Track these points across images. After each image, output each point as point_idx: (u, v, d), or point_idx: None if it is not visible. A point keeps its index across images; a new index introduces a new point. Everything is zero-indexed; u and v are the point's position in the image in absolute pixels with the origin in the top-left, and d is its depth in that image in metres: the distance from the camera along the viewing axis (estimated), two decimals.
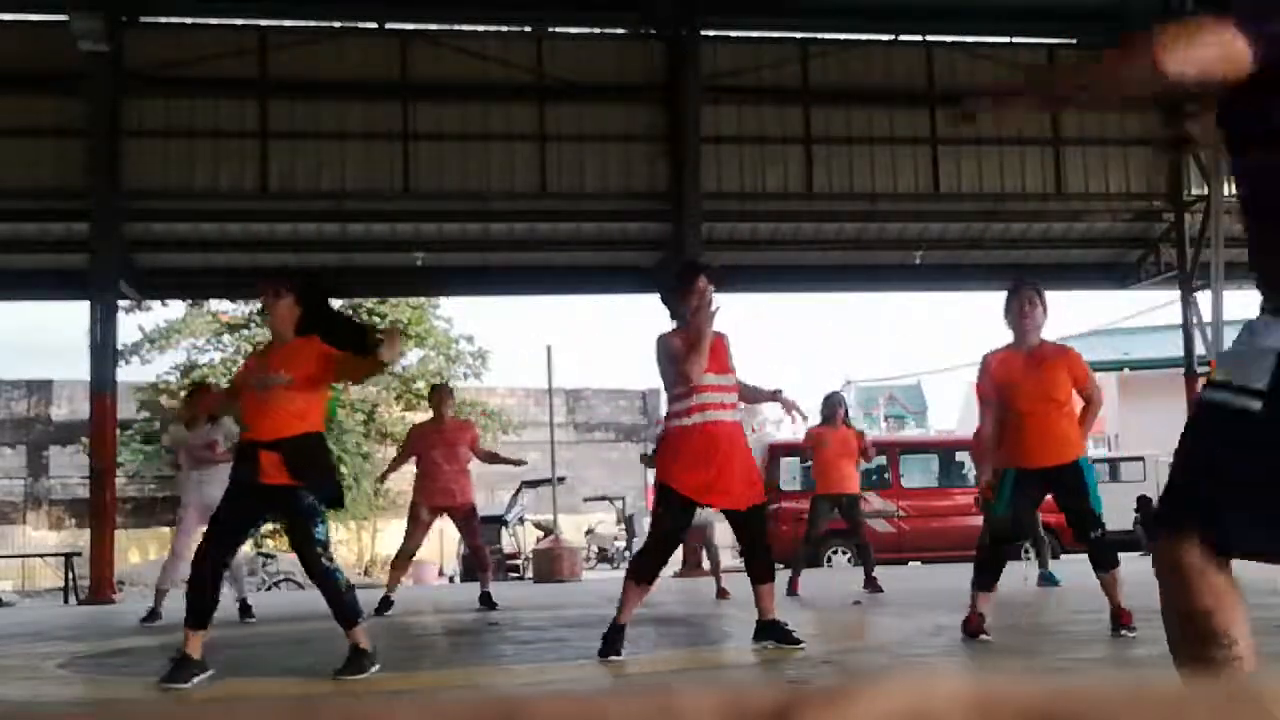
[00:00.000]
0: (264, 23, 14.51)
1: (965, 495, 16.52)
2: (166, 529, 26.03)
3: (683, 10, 14.66)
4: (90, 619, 10.16)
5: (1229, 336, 16.30)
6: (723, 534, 9.14)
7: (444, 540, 19.14)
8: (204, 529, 8.64)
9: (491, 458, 9.35)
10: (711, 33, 15.01)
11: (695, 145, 14.48)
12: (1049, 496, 5.65)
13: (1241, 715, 0.46)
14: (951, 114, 2.58)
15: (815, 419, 9.97)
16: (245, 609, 8.60)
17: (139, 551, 24.16)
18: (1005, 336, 5.62)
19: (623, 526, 25.25)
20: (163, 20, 14.42)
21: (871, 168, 15.29)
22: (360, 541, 24.98)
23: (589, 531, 25.16)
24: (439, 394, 9.24)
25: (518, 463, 9.59)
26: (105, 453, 13.77)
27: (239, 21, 14.58)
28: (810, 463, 10.30)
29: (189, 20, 14.56)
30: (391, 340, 4.93)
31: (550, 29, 15.05)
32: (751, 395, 5.80)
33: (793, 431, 11.40)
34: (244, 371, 5.32)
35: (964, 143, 15.44)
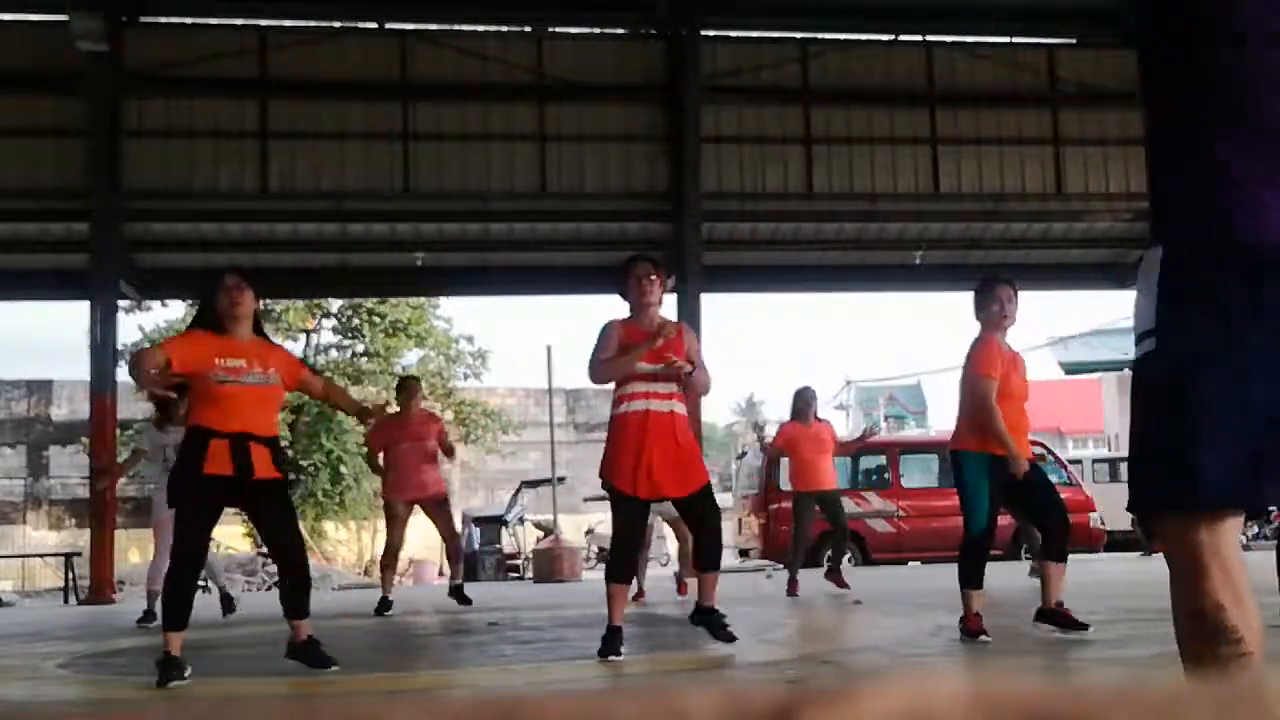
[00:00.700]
0: (264, 23, 14.51)
1: None
2: None
3: (683, 10, 14.66)
4: (90, 619, 10.16)
5: None
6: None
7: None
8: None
9: (451, 451, 9.15)
10: (711, 33, 15.01)
11: (695, 145, 14.48)
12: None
13: (1241, 715, 0.46)
14: None
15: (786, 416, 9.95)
16: (227, 600, 8.61)
17: (139, 551, 24.10)
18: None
19: None
20: (163, 20, 14.43)
21: (871, 168, 15.29)
22: (360, 541, 24.96)
23: (589, 531, 25.15)
24: (409, 387, 9.16)
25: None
26: (105, 453, 13.77)
27: (239, 21, 14.59)
28: (786, 461, 10.23)
29: (189, 20, 14.57)
30: (364, 415, 5.91)
31: (550, 29, 15.05)
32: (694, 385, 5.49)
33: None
34: (201, 359, 4.86)
35: (964, 143, 15.45)
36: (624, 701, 0.44)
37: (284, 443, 5.28)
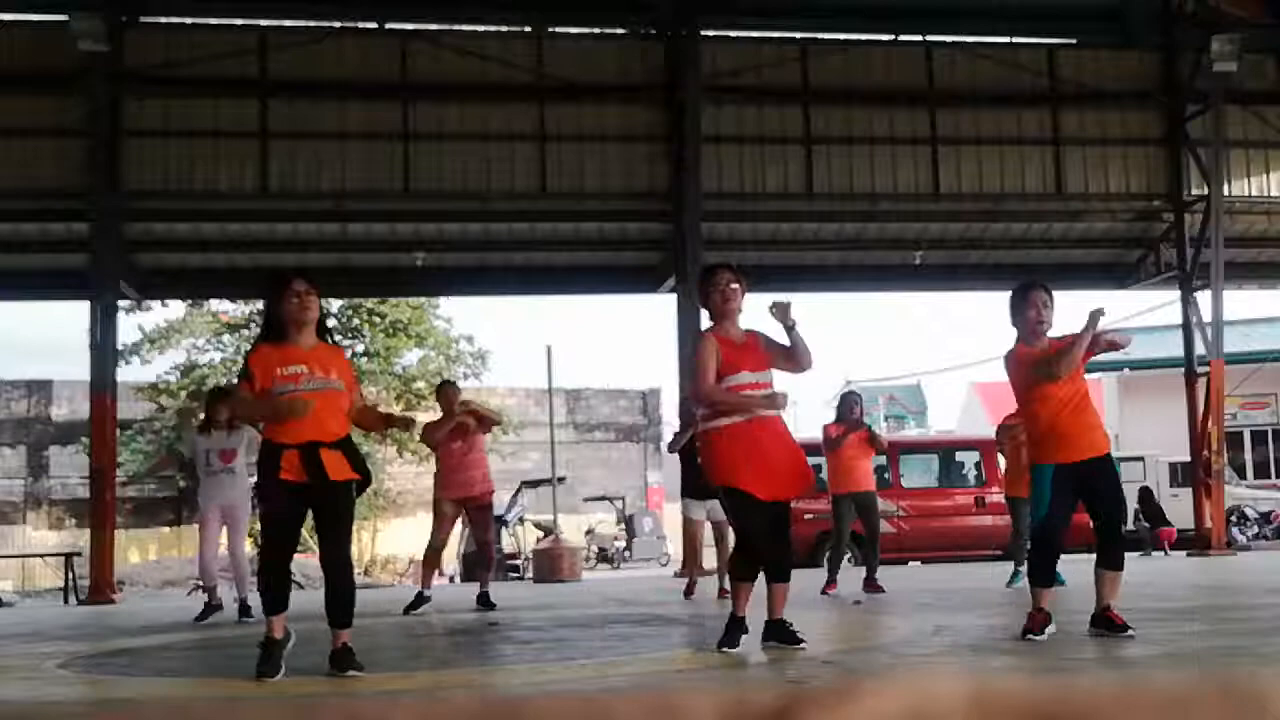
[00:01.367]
0: (264, 23, 14.52)
1: (965, 495, 16.54)
2: (167, 529, 26.06)
3: (683, 10, 14.67)
4: (90, 619, 10.17)
5: (1229, 336, 16.31)
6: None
7: None
8: (224, 528, 8.88)
9: (491, 422, 9.52)
10: (711, 33, 15.01)
11: (695, 145, 14.47)
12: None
13: (1241, 715, 0.46)
14: None
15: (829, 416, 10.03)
16: (245, 609, 8.63)
17: (139, 551, 24.14)
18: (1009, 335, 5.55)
19: (623, 526, 25.27)
20: (163, 20, 14.43)
21: (871, 168, 15.29)
22: (360, 542, 24.96)
23: (589, 531, 25.16)
24: (446, 393, 9.38)
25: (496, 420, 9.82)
26: (105, 453, 13.77)
27: (239, 21, 14.59)
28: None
29: (189, 20, 14.56)
30: (403, 425, 5.65)
31: (550, 29, 15.05)
32: (799, 356, 5.45)
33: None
34: (267, 374, 4.87)
35: (964, 143, 15.46)
36: (624, 701, 0.44)
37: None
